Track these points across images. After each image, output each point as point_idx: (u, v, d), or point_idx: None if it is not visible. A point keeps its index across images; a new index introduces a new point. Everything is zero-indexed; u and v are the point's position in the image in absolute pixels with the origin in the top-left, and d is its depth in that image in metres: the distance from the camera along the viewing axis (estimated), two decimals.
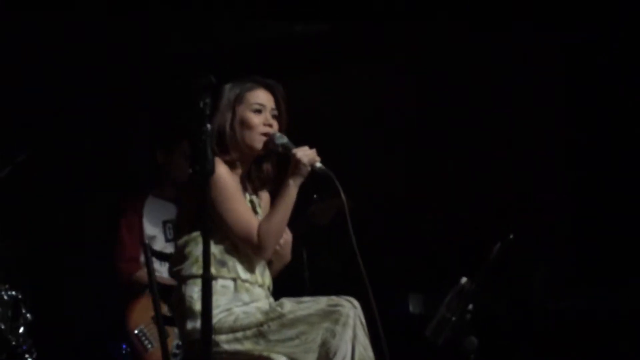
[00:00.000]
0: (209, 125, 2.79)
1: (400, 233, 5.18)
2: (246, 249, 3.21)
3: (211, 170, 2.79)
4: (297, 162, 3.18)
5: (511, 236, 3.31)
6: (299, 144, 3.24)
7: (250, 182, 3.36)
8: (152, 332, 4.32)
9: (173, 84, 4.98)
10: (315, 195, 4.16)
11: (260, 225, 3.17)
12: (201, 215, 2.96)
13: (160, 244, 4.54)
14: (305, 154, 3.19)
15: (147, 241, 4.36)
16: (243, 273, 3.20)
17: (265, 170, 3.34)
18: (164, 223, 4.59)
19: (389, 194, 5.17)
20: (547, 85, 5.02)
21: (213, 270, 3.00)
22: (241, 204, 3.18)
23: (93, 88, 5.05)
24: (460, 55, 5.11)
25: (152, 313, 3.81)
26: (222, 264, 3.16)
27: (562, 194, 5.01)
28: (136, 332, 4.35)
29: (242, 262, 3.21)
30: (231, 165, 3.24)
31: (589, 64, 4.91)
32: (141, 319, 4.34)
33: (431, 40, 5.09)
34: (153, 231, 4.56)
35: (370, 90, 5.30)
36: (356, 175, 4.85)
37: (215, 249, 3.13)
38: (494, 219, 4.89)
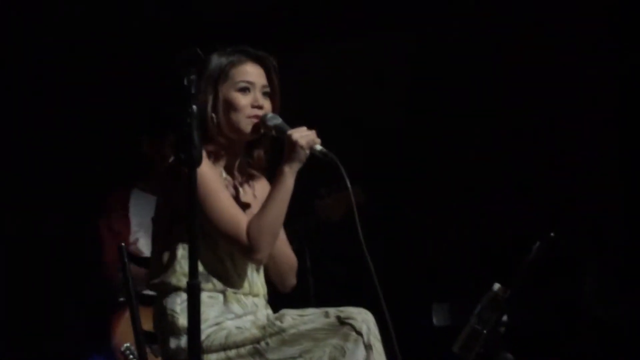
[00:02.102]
0: (195, 107, 2.55)
1: (421, 232, 4.96)
2: (236, 253, 2.92)
3: (199, 159, 2.55)
4: (294, 145, 2.86)
5: (552, 234, 3.08)
6: (296, 125, 2.92)
7: (242, 172, 3.06)
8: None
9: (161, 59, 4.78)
10: (322, 188, 3.89)
11: (250, 222, 2.87)
12: (183, 213, 2.71)
13: (148, 245, 4.26)
14: (303, 135, 2.87)
15: (132, 242, 4.18)
16: (231, 285, 2.92)
17: (256, 158, 3.04)
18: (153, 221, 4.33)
19: (406, 187, 4.95)
20: (595, 60, 4.78)
21: None
22: (225, 199, 2.88)
23: (64, 60, 4.84)
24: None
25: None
26: (206, 278, 2.88)
27: (613, 183, 4.76)
28: (122, 349, 4.09)
29: (228, 273, 2.93)
30: (215, 155, 2.96)
31: None
32: (129, 335, 3.94)
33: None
34: (140, 230, 4.31)
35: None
36: (368, 167, 4.70)
37: None
38: (532, 214, 4.67)
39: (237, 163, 3.03)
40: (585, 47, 4.75)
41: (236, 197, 2.98)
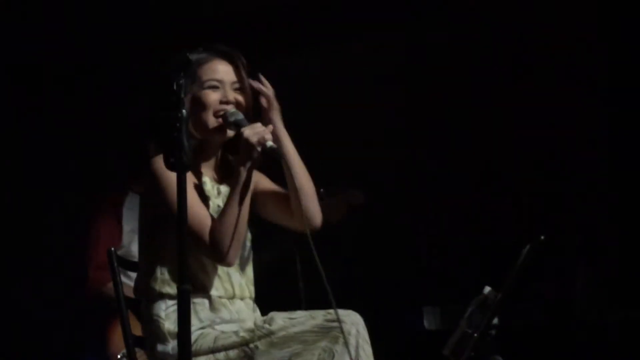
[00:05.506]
0: (184, 111, 2.61)
1: (413, 235, 4.97)
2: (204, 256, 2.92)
3: (188, 163, 2.60)
4: (245, 143, 2.86)
5: (542, 237, 3.08)
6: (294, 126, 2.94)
7: (222, 173, 3.07)
8: (139, 356, 4.06)
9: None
10: (321, 189, 3.93)
11: (212, 226, 2.87)
12: (164, 216, 2.83)
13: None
14: (255, 132, 2.86)
15: (124, 245, 4.16)
16: (215, 290, 2.95)
17: (229, 157, 3.06)
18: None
19: (397, 190, 4.95)
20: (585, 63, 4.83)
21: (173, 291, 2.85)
22: (191, 198, 2.85)
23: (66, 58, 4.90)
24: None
25: (137, 333, 3.53)
26: (190, 284, 2.78)
27: (604, 184, 4.79)
28: (119, 356, 4.05)
29: (211, 278, 2.95)
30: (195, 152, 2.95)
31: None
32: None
33: None
34: (133, 233, 4.25)
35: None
36: (362, 169, 4.74)
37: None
38: (522, 217, 4.71)
39: (213, 163, 3.04)
40: (575, 48, 4.80)
41: (205, 199, 2.96)
